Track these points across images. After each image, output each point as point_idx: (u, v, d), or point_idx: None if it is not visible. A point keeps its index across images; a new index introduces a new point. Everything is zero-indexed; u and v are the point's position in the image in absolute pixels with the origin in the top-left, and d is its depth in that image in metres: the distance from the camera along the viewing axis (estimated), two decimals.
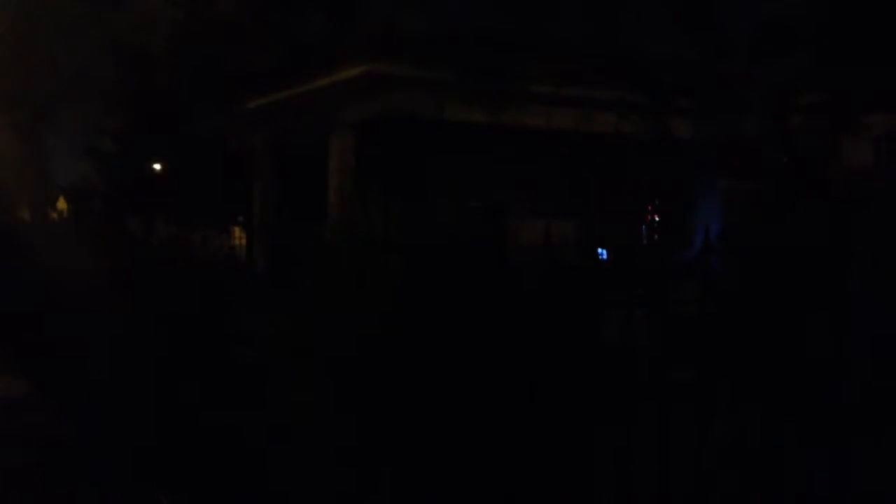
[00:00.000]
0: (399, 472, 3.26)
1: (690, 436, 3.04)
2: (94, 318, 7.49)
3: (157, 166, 16.55)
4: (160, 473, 5.33)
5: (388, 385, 3.28)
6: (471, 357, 3.26)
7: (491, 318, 3.33)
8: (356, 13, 11.58)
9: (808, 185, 10.19)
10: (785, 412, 2.99)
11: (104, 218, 16.22)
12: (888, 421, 2.74)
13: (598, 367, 3.38)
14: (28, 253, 11.60)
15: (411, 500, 3.23)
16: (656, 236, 14.35)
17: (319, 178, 12.13)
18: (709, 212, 12.74)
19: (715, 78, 10.86)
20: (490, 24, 11.30)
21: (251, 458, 4.10)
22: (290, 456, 3.67)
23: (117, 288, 7.62)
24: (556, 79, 11.07)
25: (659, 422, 3.14)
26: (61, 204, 22.89)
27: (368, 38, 10.52)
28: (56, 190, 21.08)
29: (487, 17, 11.41)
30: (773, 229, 3.52)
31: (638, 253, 10.42)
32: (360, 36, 10.63)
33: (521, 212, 13.65)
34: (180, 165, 15.31)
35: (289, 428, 3.64)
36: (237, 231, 17.96)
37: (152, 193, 16.12)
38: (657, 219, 14.58)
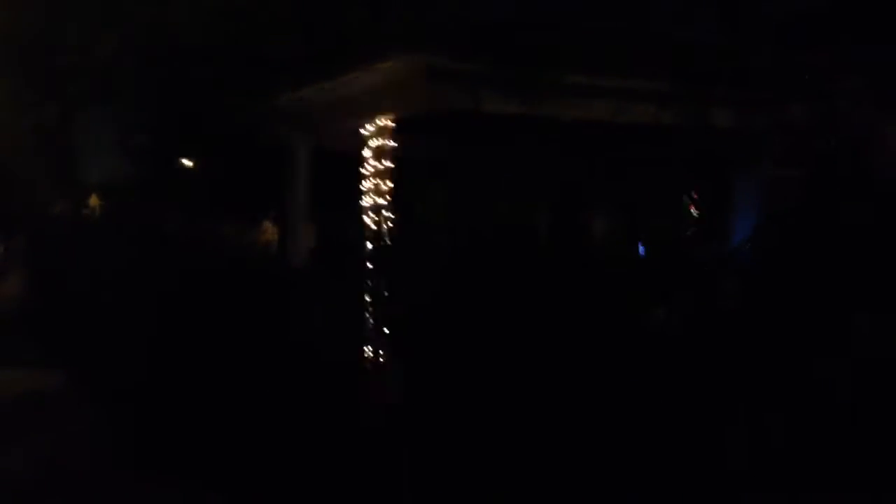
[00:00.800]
0: None
1: None
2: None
3: (188, 162, 16.53)
4: None
5: None
6: None
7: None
8: (393, 4, 11.47)
9: (851, 171, 9.99)
10: None
11: (137, 215, 16.27)
12: None
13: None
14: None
15: None
16: (693, 230, 14.15)
17: (354, 172, 12.05)
18: (749, 202, 12.53)
19: (756, 64, 10.67)
20: (524, 16, 11.17)
21: None
22: None
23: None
24: (594, 69, 10.89)
25: None
26: (94, 201, 22.94)
27: (406, 29, 10.40)
28: (88, 187, 21.09)
29: (520, 10, 11.29)
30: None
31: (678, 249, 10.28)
32: (398, 27, 10.50)
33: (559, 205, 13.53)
34: (212, 160, 15.28)
35: None
36: (269, 226, 17.93)
37: (185, 189, 16.12)
38: (695, 211, 14.36)
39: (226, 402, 6.70)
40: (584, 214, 13.54)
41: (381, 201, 11.35)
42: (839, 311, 6.59)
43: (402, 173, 11.58)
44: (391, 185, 11.45)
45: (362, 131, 11.48)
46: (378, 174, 11.44)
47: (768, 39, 9.49)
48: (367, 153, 11.50)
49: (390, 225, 10.42)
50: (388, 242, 10.22)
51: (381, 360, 8.41)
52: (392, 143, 11.37)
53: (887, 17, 9.81)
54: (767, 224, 10.26)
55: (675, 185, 13.73)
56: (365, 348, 9.09)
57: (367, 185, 11.59)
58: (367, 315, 9.54)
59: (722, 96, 11.32)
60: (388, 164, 11.40)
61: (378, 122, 11.33)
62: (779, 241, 8.38)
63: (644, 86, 11.13)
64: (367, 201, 11.51)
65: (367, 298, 9.74)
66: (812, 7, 9.86)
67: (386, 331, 7.79)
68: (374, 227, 11.06)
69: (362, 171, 11.66)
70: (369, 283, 10.07)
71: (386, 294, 8.87)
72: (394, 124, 11.31)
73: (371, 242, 11.00)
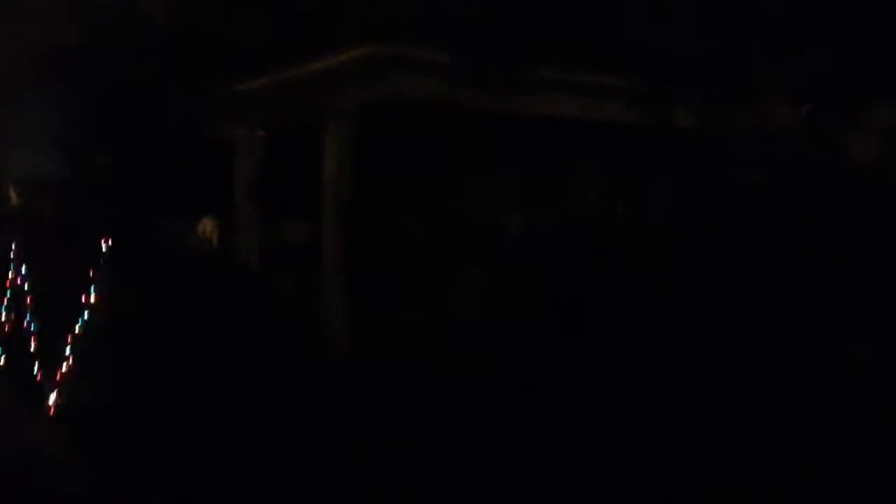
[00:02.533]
0: None
1: None
2: None
3: (126, 156, 15.67)
4: None
5: None
6: None
7: None
8: None
9: (812, 179, 9.82)
10: None
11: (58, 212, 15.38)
12: None
13: None
14: None
15: None
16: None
17: (310, 167, 11.48)
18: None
19: (729, 68, 10.49)
20: (497, 9, 10.80)
21: None
22: None
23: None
24: (565, 64, 10.58)
25: None
26: (13, 195, 21.78)
27: (373, 16, 9.90)
28: (10, 180, 19.96)
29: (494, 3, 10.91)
30: None
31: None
32: (364, 14, 10.00)
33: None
34: (152, 155, 14.48)
35: None
36: (209, 225, 17.16)
37: (119, 185, 15.27)
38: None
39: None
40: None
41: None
42: None
43: (361, 168, 11.06)
44: (348, 180, 10.92)
45: (323, 124, 10.92)
46: (337, 168, 10.89)
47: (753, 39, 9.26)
48: (327, 147, 10.94)
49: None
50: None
51: None
52: (353, 137, 10.85)
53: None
54: None
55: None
56: None
57: (325, 180, 11.03)
58: None
59: (687, 98, 11.16)
60: (348, 157, 10.87)
61: (338, 114, 10.79)
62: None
63: (614, 83, 10.89)
64: (325, 195, 10.95)
65: None
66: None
67: None
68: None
69: (320, 165, 11.10)
70: None
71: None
72: (355, 117, 10.78)
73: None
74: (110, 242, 11.74)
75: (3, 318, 12.56)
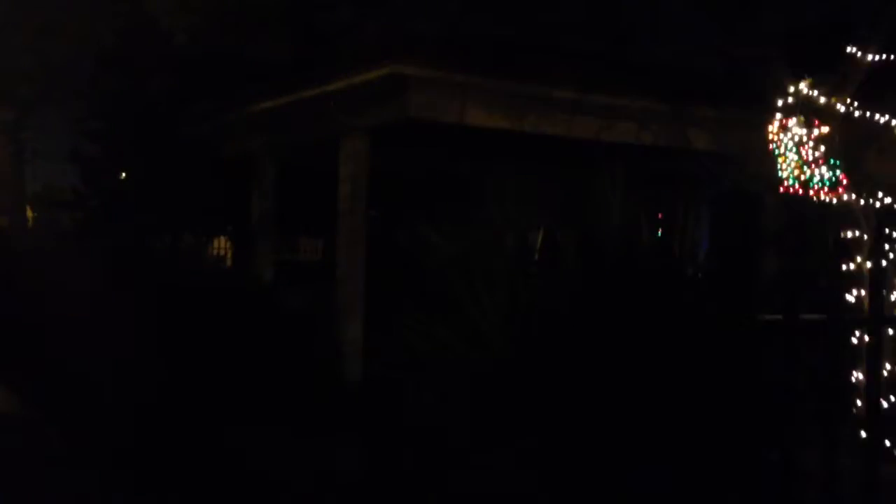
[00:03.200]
0: None
1: None
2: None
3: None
4: None
5: None
6: None
7: None
8: (370, 14, 11.09)
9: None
10: None
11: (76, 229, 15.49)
12: None
13: None
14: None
15: None
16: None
17: (325, 185, 11.58)
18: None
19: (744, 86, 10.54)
20: (511, 29, 10.91)
21: None
22: None
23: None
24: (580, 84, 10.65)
25: None
26: (28, 213, 21.93)
27: (391, 37, 10.01)
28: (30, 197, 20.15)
29: (507, 23, 11.01)
30: None
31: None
32: (382, 35, 10.11)
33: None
34: (168, 171, 14.60)
35: None
36: (223, 242, 17.27)
37: (136, 201, 15.38)
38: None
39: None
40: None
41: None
42: None
43: (375, 187, 11.15)
44: (363, 198, 10.98)
45: (338, 141, 11.01)
46: (352, 187, 10.96)
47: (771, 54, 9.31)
48: (342, 165, 11.03)
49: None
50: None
51: None
52: (368, 155, 10.93)
53: None
54: None
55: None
56: None
57: (340, 198, 11.10)
58: None
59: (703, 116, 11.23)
60: (363, 176, 10.95)
61: (354, 133, 10.89)
62: None
63: (628, 103, 10.97)
64: (341, 213, 11.01)
65: None
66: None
67: None
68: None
69: (335, 183, 11.17)
70: None
71: None
72: (370, 135, 10.88)
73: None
74: (125, 258, 11.84)
75: None
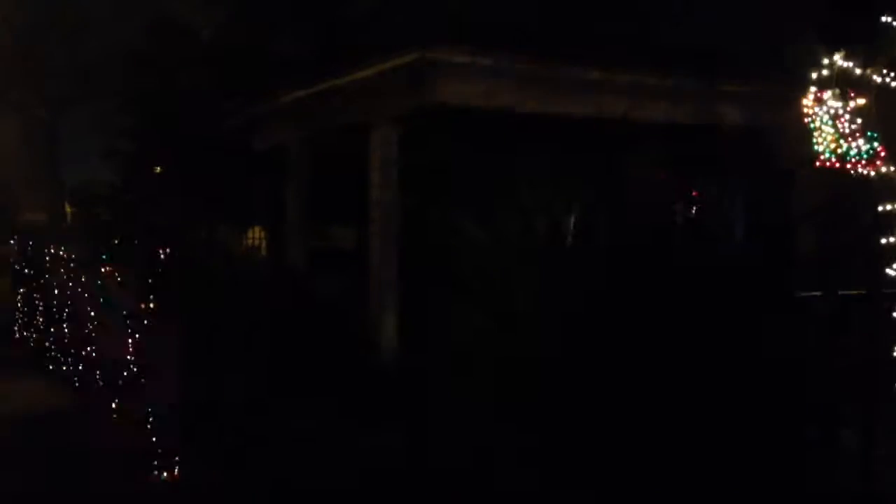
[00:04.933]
0: None
1: None
2: None
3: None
4: None
5: None
6: None
7: None
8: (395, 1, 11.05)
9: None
10: None
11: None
12: None
13: None
14: None
15: None
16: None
17: (356, 174, 11.57)
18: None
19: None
20: (537, 15, 10.82)
21: None
22: None
23: None
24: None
25: None
26: (67, 208, 22.20)
27: (419, 23, 9.97)
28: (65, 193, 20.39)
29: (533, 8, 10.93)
30: None
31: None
32: (409, 21, 10.07)
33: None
34: (201, 165, 14.71)
35: None
36: (257, 232, 17.36)
37: (169, 195, 15.52)
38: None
39: None
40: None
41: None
42: None
43: (409, 176, 11.12)
44: (394, 187, 10.97)
45: (369, 131, 11.00)
46: (382, 175, 10.95)
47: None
48: (372, 154, 11.02)
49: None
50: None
51: None
52: (398, 144, 10.92)
53: None
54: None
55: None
56: None
57: (371, 187, 11.10)
58: None
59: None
60: (393, 164, 10.93)
61: (384, 121, 10.87)
62: None
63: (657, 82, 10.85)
64: (371, 204, 11.01)
65: None
66: None
67: None
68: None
69: (367, 172, 11.17)
70: None
71: None
72: (400, 124, 10.86)
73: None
74: (163, 250, 11.94)
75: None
